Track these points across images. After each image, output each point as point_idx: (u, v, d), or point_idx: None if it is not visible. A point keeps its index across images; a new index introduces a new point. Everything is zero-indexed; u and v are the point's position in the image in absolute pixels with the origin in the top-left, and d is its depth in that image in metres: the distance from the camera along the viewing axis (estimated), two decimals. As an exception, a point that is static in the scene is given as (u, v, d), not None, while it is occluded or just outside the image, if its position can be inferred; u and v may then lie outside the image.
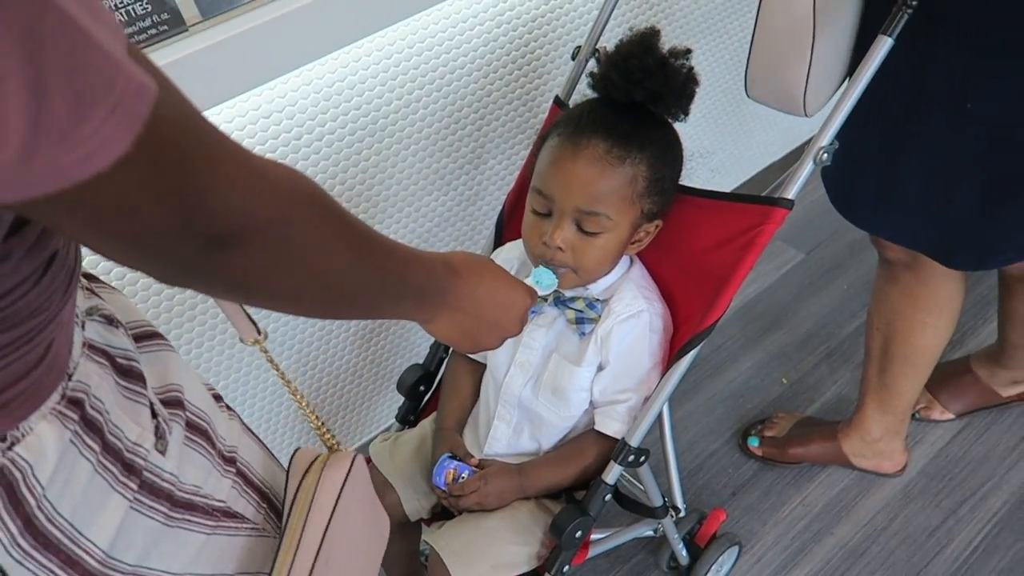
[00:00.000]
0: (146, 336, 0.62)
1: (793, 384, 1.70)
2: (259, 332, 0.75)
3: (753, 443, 1.55)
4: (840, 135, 0.90)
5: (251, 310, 0.77)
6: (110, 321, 0.56)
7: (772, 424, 1.57)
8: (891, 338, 1.32)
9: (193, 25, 0.97)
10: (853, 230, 1.97)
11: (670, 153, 0.95)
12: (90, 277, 0.63)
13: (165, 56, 0.92)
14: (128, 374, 0.55)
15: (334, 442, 0.75)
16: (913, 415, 1.55)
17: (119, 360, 0.55)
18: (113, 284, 0.67)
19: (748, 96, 1.02)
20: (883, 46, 0.86)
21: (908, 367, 1.34)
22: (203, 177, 0.40)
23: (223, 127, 1.08)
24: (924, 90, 0.98)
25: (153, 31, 0.94)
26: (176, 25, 0.95)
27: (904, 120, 1.02)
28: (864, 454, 1.48)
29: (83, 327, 0.53)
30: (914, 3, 0.84)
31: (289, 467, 0.70)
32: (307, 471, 0.68)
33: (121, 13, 0.91)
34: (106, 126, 0.33)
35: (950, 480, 1.49)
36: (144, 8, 0.92)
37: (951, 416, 1.57)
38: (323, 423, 0.77)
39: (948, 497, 1.47)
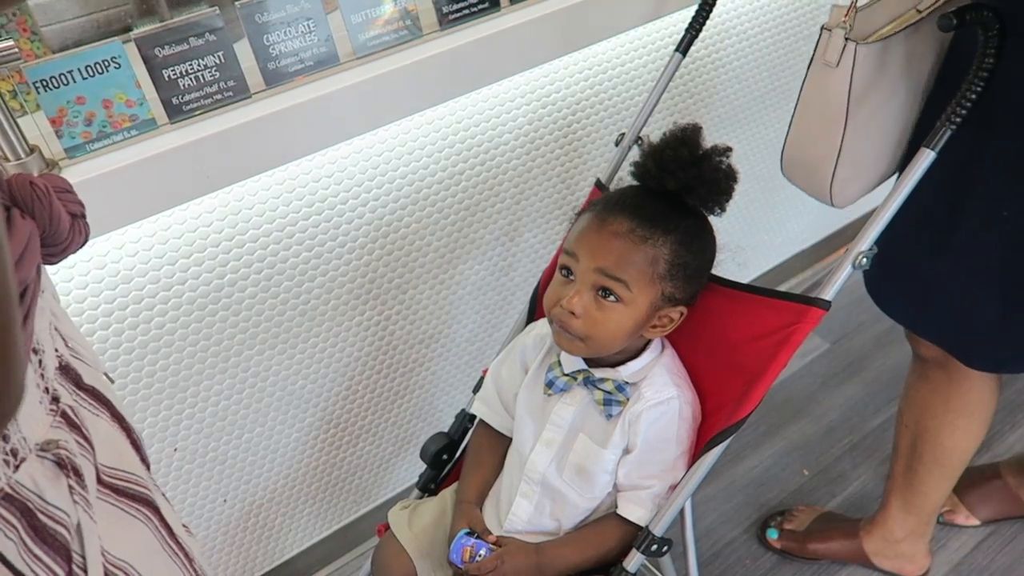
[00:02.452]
0: (125, 494, 0.53)
1: (814, 476, 1.67)
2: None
3: (772, 535, 1.53)
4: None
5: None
6: (61, 466, 0.47)
7: (792, 517, 1.55)
8: (920, 436, 1.31)
9: (257, 92, 1.01)
10: (880, 322, 2.00)
11: (698, 242, 0.97)
12: (88, 389, 0.54)
13: (228, 121, 0.96)
14: (45, 540, 0.45)
15: None
16: (937, 518, 1.52)
17: (40, 518, 0.45)
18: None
19: (783, 174, 1.04)
20: (925, 159, 0.88)
21: (936, 468, 1.32)
22: None
23: (275, 188, 1.12)
24: (964, 190, 0.99)
25: (219, 96, 0.98)
26: (241, 92, 0.99)
27: (941, 219, 1.04)
28: (886, 554, 1.45)
29: (14, 464, 0.44)
30: (958, 120, 0.87)
31: None
32: None
33: (191, 79, 0.95)
34: None
35: (973, 589, 1.46)
36: (212, 75, 0.97)
37: (976, 522, 1.54)
38: None
39: (971, 606, 1.43)
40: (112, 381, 0.97)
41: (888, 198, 0.90)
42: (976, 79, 0.86)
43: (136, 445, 0.61)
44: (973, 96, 0.87)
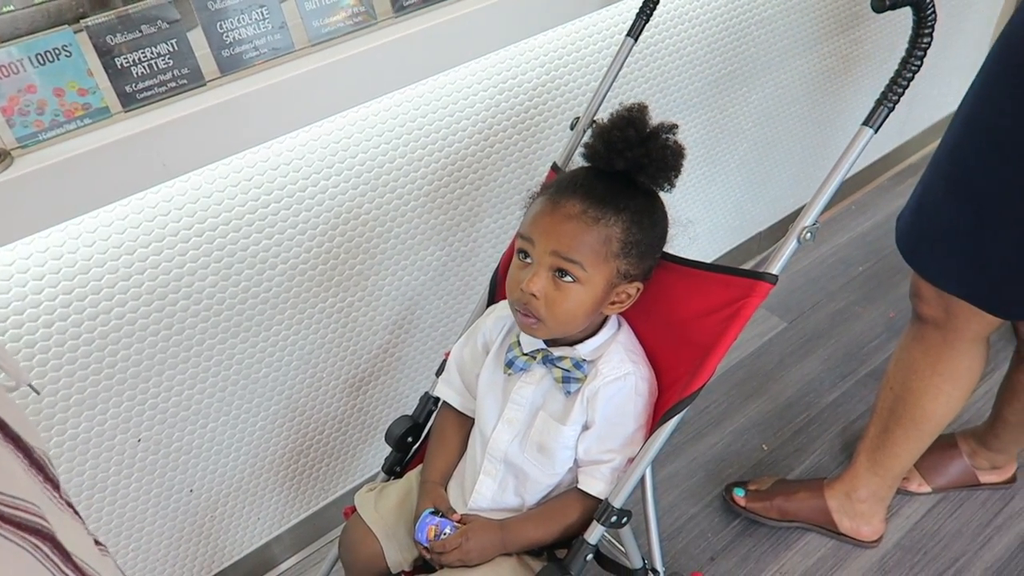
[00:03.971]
0: (11, 521, 0.49)
1: (773, 451, 1.72)
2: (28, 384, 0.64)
3: (739, 493, 1.57)
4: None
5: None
6: None
7: (756, 481, 1.59)
8: (903, 398, 1.35)
9: (212, 80, 1.01)
10: (835, 301, 2.05)
11: (648, 219, 0.99)
12: None
13: (183, 108, 0.96)
14: None
15: None
16: (893, 487, 1.58)
17: None
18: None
19: None
20: (864, 137, 0.91)
21: (913, 430, 1.37)
22: None
23: (233, 176, 1.13)
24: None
25: (173, 84, 0.98)
26: (196, 80, 1.00)
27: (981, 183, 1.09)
28: (847, 512, 1.49)
29: None
30: (896, 99, 0.90)
31: None
32: None
33: (144, 67, 0.95)
34: None
35: (924, 554, 1.51)
36: (166, 63, 0.97)
37: (928, 490, 1.59)
38: None
39: (923, 571, 1.48)
40: (37, 392, 0.96)
41: (828, 177, 0.93)
42: (912, 59, 0.89)
43: (38, 464, 0.57)
44: (911, 76, 0.90)
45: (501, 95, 1.38)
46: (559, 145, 1.50)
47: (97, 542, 0.61)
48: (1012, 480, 1.59)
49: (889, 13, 0.88)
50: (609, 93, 1.20)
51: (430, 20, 1.12)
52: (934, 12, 0.87)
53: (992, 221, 1.07)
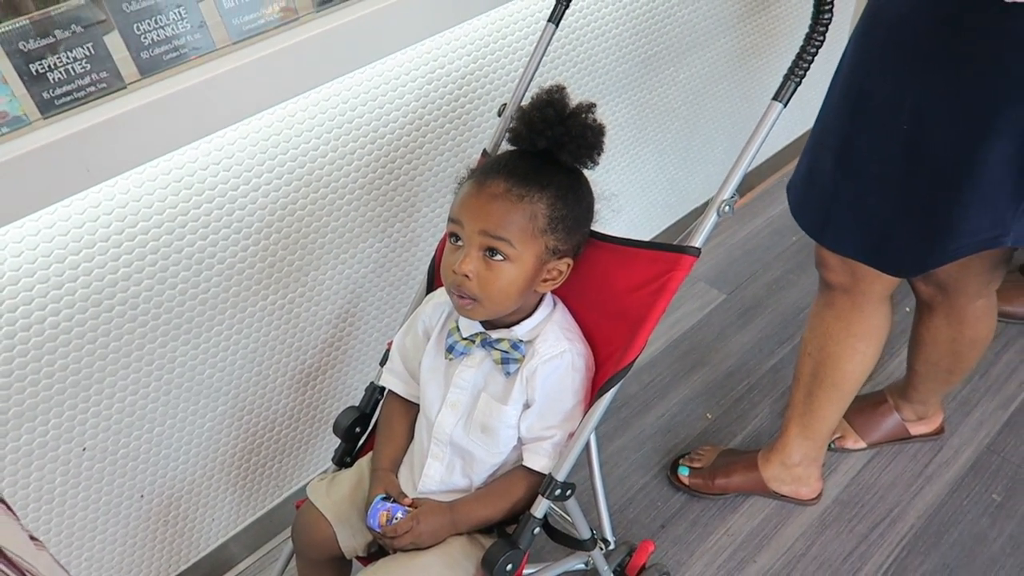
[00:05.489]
0: None
1: (717, 419, 1.78)
2: None
3: (683, 472, 1.62)
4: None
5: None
6: None
7: (698, 456, 1.65)
8: (822, 363, 1.40)
9: (132, 83, 1.00)
10: (770, 271, 2.12)
11: (572, 195, 1.02)
12: None
13: (104, 112, 0.96)
14: None
15: None
16: (829, 446, 1.64)
17: None
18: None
19: None
20: (775, 111, 0.95)
21: (835, 392, 1.42)
22: None
23: (162, 178, 1.12)
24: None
25: (92, 88, 0.97)
26: (115, 83, 0.99)
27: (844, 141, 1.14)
28: (783, 479, 1.56)
29: None
30: (802, 74, 0.94)
31: None
32: None
33: (60, 72, 0.94)
34: None
35: (862, 507, 1.58)
36: (83, 67, 0.96)
37: (863, 445, 1.67)
38: None
39: (860, 523, 1.55)
40: None
41: (744, 149, 0.97)
42: (815, 35, 0.93)
43: None
44: (814, 51, 0.94)
45: (430, 85, 1.39)
46: (490, 131, 1.52)
47: (33, 537, 0.62)
48: (940, 431, 1.67)
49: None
50: (536, 78, 1.23)
51: (353, 13, 1.13)
52: (832, -12, 0.91)
53: (872, 184, 1.12)
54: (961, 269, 1.21)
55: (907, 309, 1.81)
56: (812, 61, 0.94)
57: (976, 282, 1.27)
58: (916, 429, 1.65)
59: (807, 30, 0.93)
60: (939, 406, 1.64)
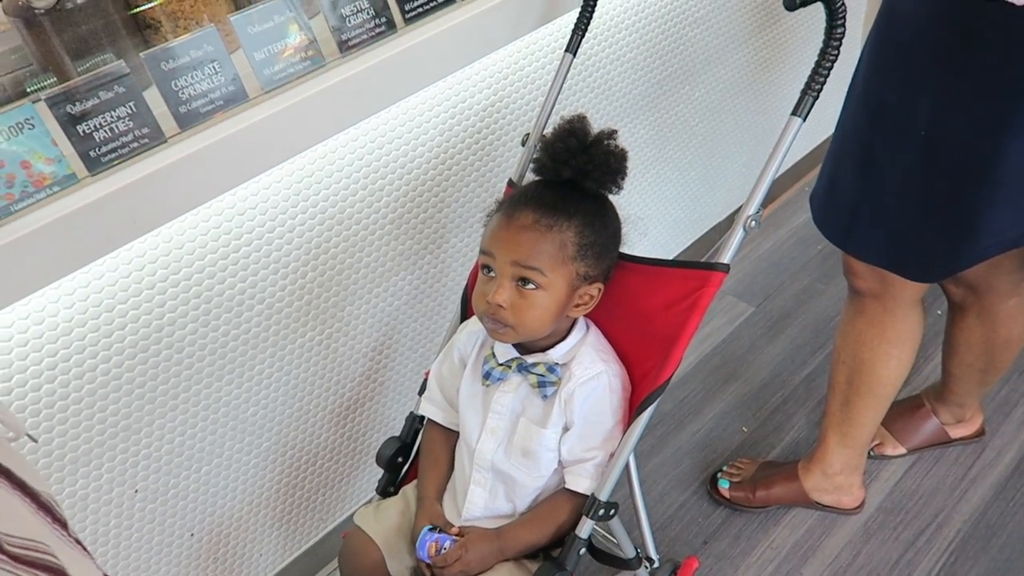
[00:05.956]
0: (24, 561, 0.53)
1: (753, 432, 1.78)
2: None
3: (724, 485, 1.62)
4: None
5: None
6: None
7: (737, 469, 1.65)
8: (856, 370, 1.40)
9: (172, 136, 1.05)
10: (798, 281, 2.12)
11: (599, 221, 1.04)
12: None
13: (147, 167, 1.00)
14: None
15: None
16: (868, 453, 1.64)
17: None
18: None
19: None
20: (794, 126, 0.97)
21: (871, 398, 1.42)
22: None
23: (202, 225, 1.17)
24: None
25: (135, 144, 1.02)
26: (157, 137, 1.03)
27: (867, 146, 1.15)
28: (825, 488, 1.55)
29: None
30: (818, 89, 0.96)
31: None
32: None
33: (106, 131, 0.99)
34: None
35: (906, 514, 1.57)
36: (126, 125, 1.01)
37: (903, 451, 1.66)
38: None
39: (906, 530, 1.55)
40: (35, 440, 0.98)
41: (767, 165, 0.99)
42: (830, 49, 0.95)
43: (45, 507, 0.62)
44: (830, 64, 0.96)
45: (453, 119, 1.43)
46: (514, 161, 1.55)
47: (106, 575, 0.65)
48: (981, 433, 1.66)
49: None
50: (556, 107, 1.26)
51: (375, 57, 1.17)
52: (843, 5, 0.94)
53: (894, 191, 1.13)
54: (990, 269, 1.21)
55: (939, 311, 1.80)
56: (828, 75, 0.97)
57: (1007, 281, 1.27)
58: (956, 432, 1.64)
59: (821, 45, 0.96)
60: (978, 408, 1.64)
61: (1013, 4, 0.92)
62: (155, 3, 1.17)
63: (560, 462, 1.10)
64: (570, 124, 1.04)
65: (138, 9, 1.17)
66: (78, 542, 0.63)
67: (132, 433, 1.23)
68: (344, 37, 1.18)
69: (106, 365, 1.15)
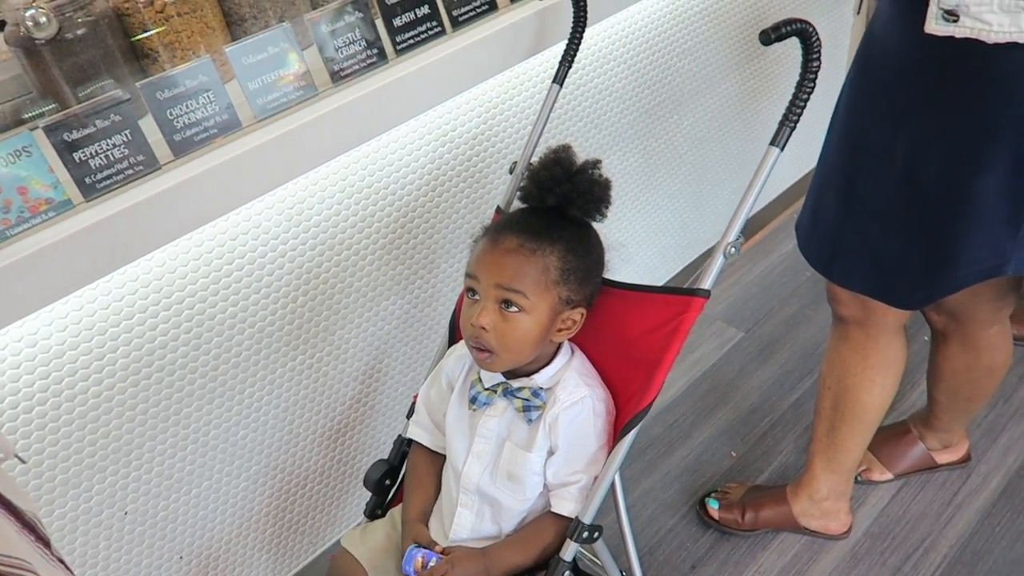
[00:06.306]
0: None
1: (742, 456, 1.79)
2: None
3: (713, 505, 1.63)
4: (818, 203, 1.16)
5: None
6: None
7: (726, 492, 1.66)
8: (841, 396, 1.42)
9: (166, 164, 1.07)
10: (787, 307, 2.15)
11: (582, 247, 1.07)
12: None
13: (141, 193, 1.02)
14: None
15: None
16: (856, 478, 1.65)
17: None
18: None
19: None
20: (772, 156, 1.00)
21: (857, 424, 1.44)
22: None
23: (195, 250, 1.18)
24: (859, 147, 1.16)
25: (130, 171, 1.04)
26: (151, 164, 1.06)
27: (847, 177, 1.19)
28: (812, 513, 1.56)
29: None
30: (795, 120, 0.99)
31: None
32: None
33: (101, 159, 1.01)
34: None
35: (893, 539, 1.58)
36: (122, 152, 1.03)
37: (891, 476, 1.67)
38: None
39: (893, 555, 1.55)
40: (23, 462, 1.00)
41: (745, 194, 1.02)
42: (806, 82, 0.98)
43: (29, 526, 0.63)
44: (806, 97, 0.99)
45: (444, 147, 1.46)
46: (503, 188, 1.58)
47: None
48: (967, 458, 1.67)
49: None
50: (543, 136, 1.29)
51: (366, 87, 1.20)
52: (818, 39, 0.97)
53: (874, 221, 1.16)
54: (970, 298, 1.23)
55: (925, 338, 1.82)
56: (805, 106, 0.99)
57: (987, 309, 1.29)
58: (942, 457, 1.65)
59: (799, 77, 0.99)
60: (964, 433, 1.65)
61: (984, 43, 0.95)
62: (152, 32, 1.20)
63: (545, 485, 1.11)
64: (556, 153, 1.07)
65: (137, 38, 1.20)
66: (61, 561, 0.65)
67: (122, 456, 1.24)
68: (336, 67, 1.21)
69: (97, 388, 1.16)
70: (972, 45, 0.95)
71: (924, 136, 1.06)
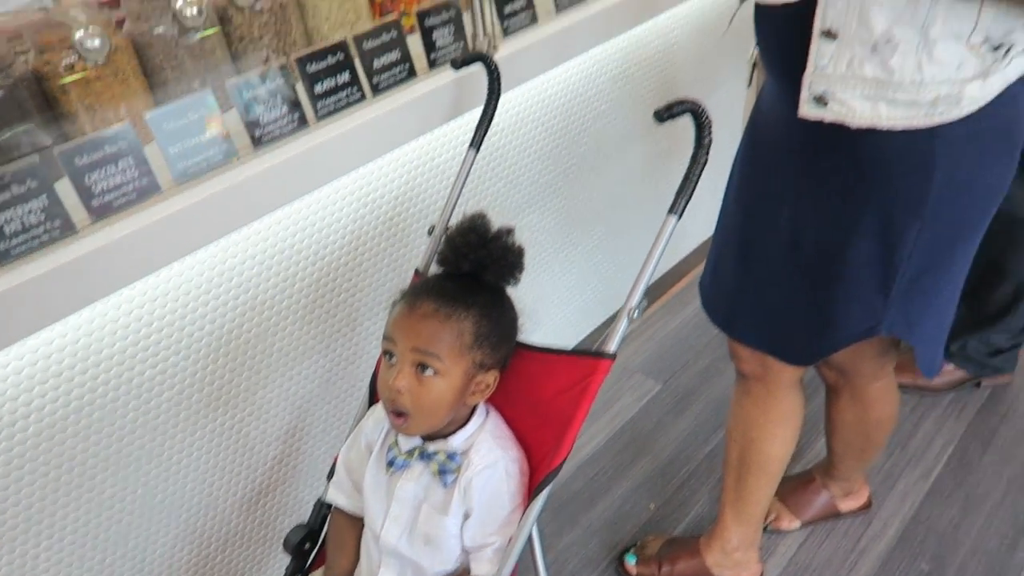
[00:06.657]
0: None
1: (660, 508, 1.84)
2: None
3: (630, 560, 1.67)
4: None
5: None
6: None
7: (643, 546, 1.70)
8: (746, 448, 1.49)
9: (83, 228, 1.08)
10: (702, 358, 2.23)
11: (496, 312, 1.11)
12: None
13: (57, 259, 1.02)
14: None
15: None
16: (765, 527, 1.71)
17: None
18: None
19: None
20: (670, 225, 1.07)
21: (762, 475, 1.51)
22: None
23: (112, 312, 1.18)
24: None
25: (45, 237, 1.05)
26: (68, 229, 1.06)
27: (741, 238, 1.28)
28: (724, 564, 1.61)
29: None
30: (691, 190, 1.06)
31: None
32: None
33: (16, 224, 1.01)
34: None
35: (802, 585, 1.64)
36: (38, 218, 1.03)
37: (798, 524, 1.74)
38: None
39: (801, 601, 1.62)
40: None
41: (646, 261, 1.09)
42: (699, 155, 1.06)
43: None
44: (700, 170, 1.06)
45: (365, 208, 1.49)
46: (423, 248, 1.62)
47: None
48: (868, 505, 1.76)
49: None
50: (463, 196, 1.34)
51: (287, 152, 1.23)
52: (708, 118, 1.05)
53: (766, 282, 1.25)
54: (854, 354, 1.32)
55: (828, 389, 1.92)
56: (699, 179, 1.07)
57: (871, 364, 1.39)
58: (845, 505, 1.74)
59: (692, 151, 1.06)
60: (863, 481, 1.74)
61: (849, 127, 1.05)
62: (71, 94, 1.21)
63: (463, 549, 1.13)
64: (471, 221, 1.12)
65: (56, 98, 1.21)
66: None
67: (33, 524, 1.21)
68: (258, 133, 1.24)
69: (7, 455, 1.14)
70: (839, 127, 1.05)
71: (804, 206, 1.15)
